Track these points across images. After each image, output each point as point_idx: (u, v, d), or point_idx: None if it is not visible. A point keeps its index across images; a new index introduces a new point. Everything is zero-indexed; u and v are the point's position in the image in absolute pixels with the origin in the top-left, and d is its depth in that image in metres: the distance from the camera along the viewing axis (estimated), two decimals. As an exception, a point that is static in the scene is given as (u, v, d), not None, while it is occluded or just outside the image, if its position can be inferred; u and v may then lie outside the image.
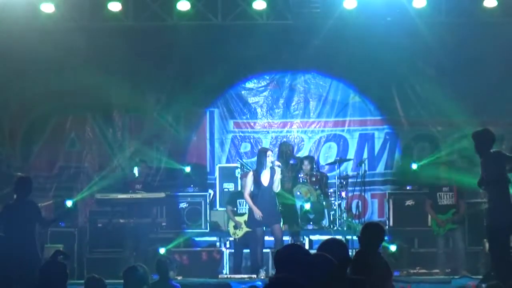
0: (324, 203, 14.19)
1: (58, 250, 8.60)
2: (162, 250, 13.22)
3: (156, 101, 15.65)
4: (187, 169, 15.01)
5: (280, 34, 15.17)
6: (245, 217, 13.03)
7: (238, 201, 13.45)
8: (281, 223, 12.43)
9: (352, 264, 6.28)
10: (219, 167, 15.09)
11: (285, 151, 14.15)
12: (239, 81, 15.76)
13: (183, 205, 14.36)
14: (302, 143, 15.71)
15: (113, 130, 15.71)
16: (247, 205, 12.79)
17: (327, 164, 15.33)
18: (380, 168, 15.47)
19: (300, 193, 13.99)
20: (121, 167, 15.49)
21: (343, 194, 14.17)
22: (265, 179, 12.20)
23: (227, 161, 15.60)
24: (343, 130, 15.65)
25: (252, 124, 15.83)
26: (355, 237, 11.12)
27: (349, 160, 15.22)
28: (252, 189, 12.24)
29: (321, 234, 13.53)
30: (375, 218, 14.68)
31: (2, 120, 15.54)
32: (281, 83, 15.80)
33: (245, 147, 15.78)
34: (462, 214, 13.26)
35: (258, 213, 12.06)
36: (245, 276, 12.53)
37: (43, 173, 15.37)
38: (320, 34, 14.86)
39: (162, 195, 13.59)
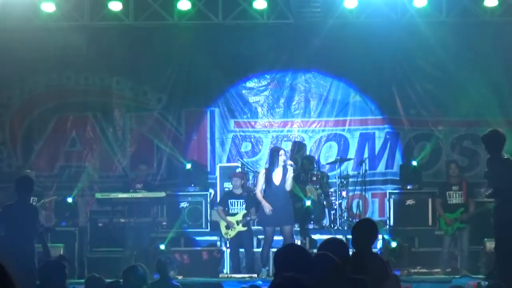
0: (324, 202, 14.18)
1: (61, 255, 8.63)
2: (162, 247, 13.23)
3: (157, 100, 15.65)
4: (188, 166, 15.00)
5: (280, 33, 15.19)
6: (238, 217, 13.06)
7: (229, 201, 13.41)
8: (293, 224, 12.38)
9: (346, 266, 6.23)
10: (220, 166, 15.07)
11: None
12: (240, 80, 15.73)
13: (183, 204, 14.35)
14: (303, 142, 15.69)
15: (113, 130, 15.68)
16: (239, 204, 12.77)
17: (327, 164, 15.31)
18: (381, 167, 15.45)
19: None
20: (121, 166, 15.49)
21: (344, 193, 14.17)
22: (277, 178, 12.14)
23: (228, 161, 15.57)
24: (343, 130, 15.63)
25: (252, 123, 15.80)
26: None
27: (350, 159, 15.20)
28: (263, 187, 12.21)
29: (321, 233, 13.52)
30: (376, 217, 14.65)
31: (3, 119, 15.54)
32: (282, 83, 15.77)
33: (246, 147, 15.75)
34: (471, 213, 13.23)
35: (268, 207, 11.98)
36: (246, 275, 12.54)
37: (44, 172, 15.34)
38: (320, 34, 14.87)
39: (163, 194, 13.58)
